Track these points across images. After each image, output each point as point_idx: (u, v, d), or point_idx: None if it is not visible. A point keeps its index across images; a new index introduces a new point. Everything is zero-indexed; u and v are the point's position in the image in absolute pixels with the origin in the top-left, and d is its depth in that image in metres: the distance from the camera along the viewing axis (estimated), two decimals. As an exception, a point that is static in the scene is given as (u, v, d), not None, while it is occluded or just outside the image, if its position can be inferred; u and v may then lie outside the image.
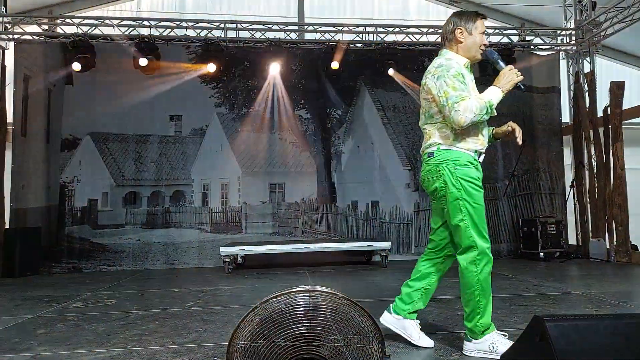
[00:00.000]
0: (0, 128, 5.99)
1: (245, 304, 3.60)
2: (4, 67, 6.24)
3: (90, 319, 3.23)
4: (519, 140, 2.34)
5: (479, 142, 2.26)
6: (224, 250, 5.48)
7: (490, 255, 2.22)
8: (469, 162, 2.22)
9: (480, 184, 2.25)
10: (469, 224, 2.19)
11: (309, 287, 1.61)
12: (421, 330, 2.42)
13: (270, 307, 1.59)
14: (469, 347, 2.23)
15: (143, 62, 6.12)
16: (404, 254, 6.63)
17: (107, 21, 6.56)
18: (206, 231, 6.51)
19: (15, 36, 6.36)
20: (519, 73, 2.22)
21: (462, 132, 2.22)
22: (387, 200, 6.70)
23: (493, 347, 2.14)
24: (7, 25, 6.36)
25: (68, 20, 6.61)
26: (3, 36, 6.32)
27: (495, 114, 2.20)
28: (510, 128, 2.37)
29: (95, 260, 6.23)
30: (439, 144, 2.25)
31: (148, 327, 2.96)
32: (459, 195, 2.19)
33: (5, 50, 6.39)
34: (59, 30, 6.60)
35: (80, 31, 6.44)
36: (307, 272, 5.43)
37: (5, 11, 6.23)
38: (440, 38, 2.44)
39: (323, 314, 1.58)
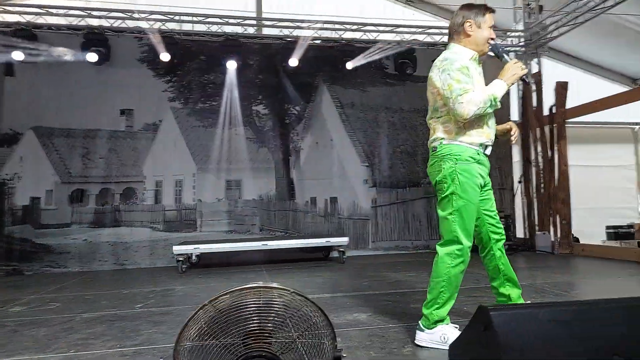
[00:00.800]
0: None
1: (198, 303, 3.48)
2: None
3: (30, 324, 3.04)
4: (513, 140, 2.44)
5: (484, 134, 2.27)
6: (177, 249, 5.31)
7: (468, 256, 2.25)
8: (471, 157, 2.24)
9: (479, 182, 2.27)
10: (456, 219, 2.22)
11: (260, 284, 1.57)
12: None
13: (220, 305, 1.55)
14: (421, 337, 2.27)
15: (92, 57, 5.86)
16: (362, 249, 6.70)
17: (53, 10, 6.18)
18: (159, 230, 6.29)
19: (-53, 22, 5.87)
20: (524, 66, 2.24)
21: (465, 126, 2.22)
22: (345, 196, 6.74)
23: (444, 338, 2.19)
24: (-63, 9, 5.86)
25: (9, 8, 6.17)
26: None
27: (500, 106, 2.21)
28: (509, 126, 2.45)
29: (38, 262, 5.86)
30: (442, 138, 2.27)
31: (94, 331, 2.82)
32: (454, 190, 2.21)
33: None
34: (-2, 17, 6.16)
35: (23, 20, 6.03)
36: (264, 270, 5.37)
37: None
38: (447, 31, 2.49)
39: (274, 310, 1.55)
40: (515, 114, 7.56)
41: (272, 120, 6.73)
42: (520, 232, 7.08)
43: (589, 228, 7.48)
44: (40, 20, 6.11)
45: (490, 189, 2.41)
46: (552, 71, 8.45)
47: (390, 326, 2.66)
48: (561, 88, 6.37)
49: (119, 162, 6.28)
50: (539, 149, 6.72)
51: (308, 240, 5.88)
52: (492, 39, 2.31)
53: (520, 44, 7.39)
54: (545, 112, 6.71)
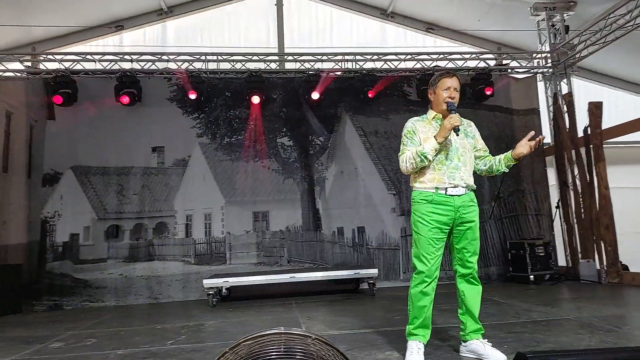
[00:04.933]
0: (-19, 165, 5.90)
1: (228, 339, 3.50)
2: (-15, 105, 6.20)
3: (66, 362, 3.13)
4: (535, 143, 2.71)
5: (435, 180, 2.69)
6: (207, 282, 5.37)
7: (425, 279, 2.65)
8: (423, 199, 2.71)
9: (431, 219, 2.65)
10: (413, 249, 2.76)
11: (281, 330, 1.56)
12: (492, 346, 2.67)
13: (241, 351, 1.54)
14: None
15: (125, 100, 6.18)
16: (392, 280, 6.55)
17: (89, 56, 6.60)
18: (190, 263, 6.39)
19: (-2, 73, 6.36)
20: (454, 120, 2.58)
21: (417, 176, 2.74)
22: (373, 225, 6.65)
23: (409, 352, 2.66)
24: (-12, 62, 6.37)
25: (50, 57, 6.64)
26: (-15, 74, 6.32)
27: (431, 160, 2.64)
28: (523, 149, 2.73)
29: (77, 296, 6.06)
30: (412, 186, 2.83)
31: (125, 370, 2.87)
32: (412, 226, 2.76)
33: (-13, 88, 6.37)
34: (41, 66, 6.62)
35: (62, 67, 6.46)
36: (293, 302, 5.33)
37: (-13, 49, 6.24)
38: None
39: (296, 358, 1.53)
40: (547, 135, 7.36)
41: (296, 152, 6.81)
42: (562, 260, 6.71)
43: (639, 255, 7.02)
44: (78, 66, 6.53)
45: (467, 228, 2.70)
46: (584, 91, 8.24)
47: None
48: (595, 108, 6.12)
49: (152, 197, 6.49)
50: (576, 171, 6.45)
51: (336, 272, 5.79)
52: (450, 98, 2.71)
53: (548, 65, 7.26)
54: (579, 133, 6.47)
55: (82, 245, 6.27)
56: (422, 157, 2.62)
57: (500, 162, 2.81)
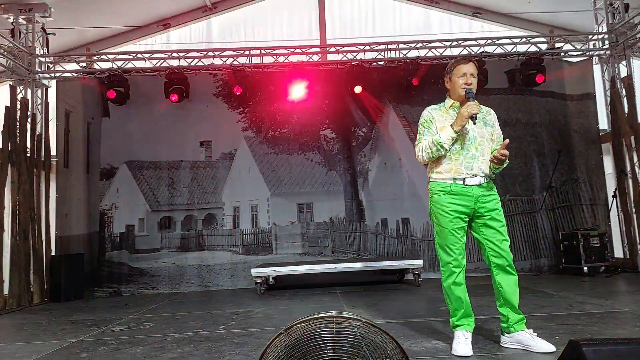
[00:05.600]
0: (46, 161, 6.35)
1: (276, 325, 3.60)
2: (47, 104, 6.65)
3: (129, 343, 3.33)
4: (497, 154, 2.61)
5: (452, 170, 2.66)
6: (255, 271, 5.53)
7: (454, 270, 2.65)
8: (441, 190, 2.68)
9: (450, 210, 2.63)
10: (436, 241, 2.75)
11: (333, 313, 1.60)
12: (537, 336, 2.60)
13: (294, 334, 1.59)
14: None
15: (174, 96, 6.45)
16: (438, 271, 6.40)
17: (139, 55, 6.90)
18: (238, 253, 6.60)
19: (57, 74, 6.79)
20: (471, 108, 2.54)
21: (434, 166, 2.73)
22: (417, 217, 6.56)
23: (455, 342, 2.64)
24: (49, 65, 6.81)
25: (103, 57, 7.01)
26: (46, 75, 6.76)
27: (447, 149, 2.62)
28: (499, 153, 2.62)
29: (134, 284, 6.42)
30: (428, 176, 2.81)
31: (183, 351, 3.02)
32: (432, 218, 2.76)
33: (48, 88, 6.82)
34: (95, 66, 7.00)
35: (114, 66, 6.80)
36: (338, 292, 5.39)
37: (47, 52, 6.67)
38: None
39: (348, 340, 1.57)
40: (604, 122, 6.95)
41: (339, 144, 6.83)
42: (618, 252, 6.37)
43: None
44: (129, 65, 6.85)
45: (491, 217, 2.65)
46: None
47: (470, 356, 2.53)
48: (656, 90, 5.74)
49: (201, 190, 6.74)
50: (635, 159, 6.08)
51: (381, 263, 5.80)
52: (466, 84, 2.66)
53: (605, 46, 6.82)
54: (639, 118, 6.08)
55: (138, 236, 6.62)
56: (439, 146, 2.61)
57: (490, 165, 2.70)
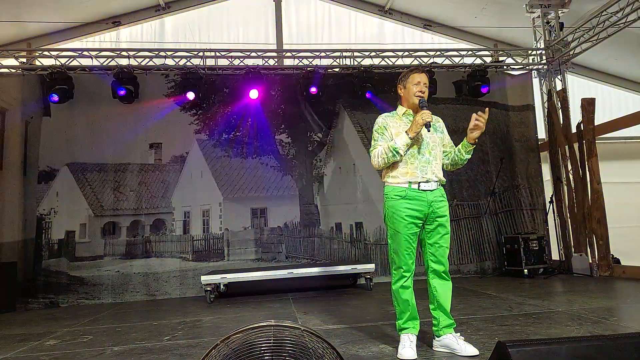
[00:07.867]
0: (-24, 162, 5.89)
1: (224, 334, 3.50)
2: (-21, 101, 6.19)
3: (62, 358, 3.12)
4: (472, 124, 2.73)
5: (408, 174, 2.72)
6: (205, 279, 5.38)
7: (404, 274, 2.72)
8: (397, 195, 2.73)
9: (406, 214, 2.68)
10: (390, 244, 2.80)
11: (271, 322, 1.58)
12: (464, 340, 2.69)
13: (232, 344, 1.55)
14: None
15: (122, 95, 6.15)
16: (390, 275, 6.54)
17: (86, 52, 6.58)
18: (188, 260, 6.39)
19: (-8, 69, 6.34)
20: (426, 115, 2.62)
21: (390, 170, 2.77)
22: (371, 221, 6.66)
23: (401, 346, 2.69)
24: (-17, 59, 6.35)
25: (46, 53, 6.62)
26: (-21, 70, 6.30)
27: (402, 155, 2.69)
28: (474, 132, 2.75)
29: (73, 294, 6.05)
30: (384, 181, 2.85)
31: (121, 365, 2.88)
32: (387, 222, 2.80)
33: (-18, 84, 6.35)
34: (37, 62, 6.60)
35: (58, 63, 6.44)
36: (291, 298, 5.35)
37: (-18, 45, 6.22)
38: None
39: (285, 349, 1.54)
40: (542, 131, 7.40)
41: (295, 148, 6.81)
42: (555, 254, 6.79)
43: (630, 248, 7.10)
44: (74, 62, 6.51)
45: (440, 224, 2.74)
46: (578, 87, 8.28)
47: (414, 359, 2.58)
48: (588, 104, 6.18)
49: (149, 194, 6.48)
50: (569, 167, 6.50)
51: (334, 268, 5.80)
52: (419, 92, 2.75)
53: (543, 62, 7.27)
54: (573, 129, 6.52)
55: (78, 243, 6.26)
56: (394, 151, 2.67)
57: (460, 151, 2.82)
